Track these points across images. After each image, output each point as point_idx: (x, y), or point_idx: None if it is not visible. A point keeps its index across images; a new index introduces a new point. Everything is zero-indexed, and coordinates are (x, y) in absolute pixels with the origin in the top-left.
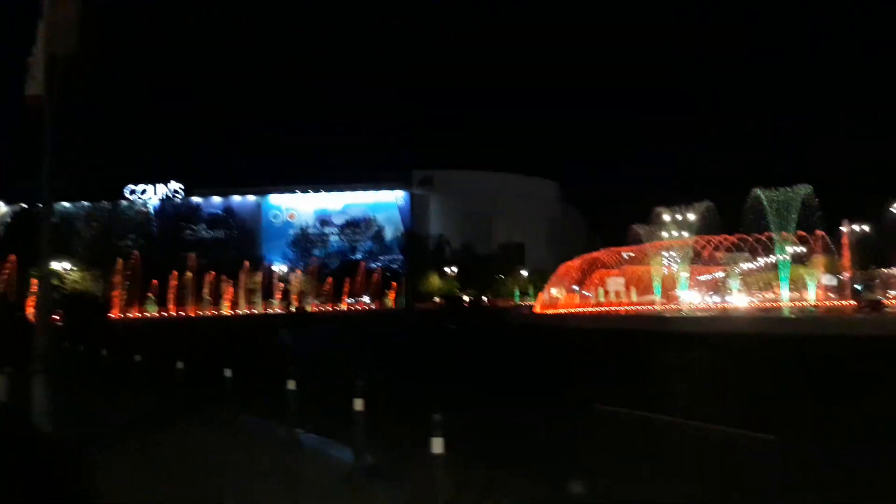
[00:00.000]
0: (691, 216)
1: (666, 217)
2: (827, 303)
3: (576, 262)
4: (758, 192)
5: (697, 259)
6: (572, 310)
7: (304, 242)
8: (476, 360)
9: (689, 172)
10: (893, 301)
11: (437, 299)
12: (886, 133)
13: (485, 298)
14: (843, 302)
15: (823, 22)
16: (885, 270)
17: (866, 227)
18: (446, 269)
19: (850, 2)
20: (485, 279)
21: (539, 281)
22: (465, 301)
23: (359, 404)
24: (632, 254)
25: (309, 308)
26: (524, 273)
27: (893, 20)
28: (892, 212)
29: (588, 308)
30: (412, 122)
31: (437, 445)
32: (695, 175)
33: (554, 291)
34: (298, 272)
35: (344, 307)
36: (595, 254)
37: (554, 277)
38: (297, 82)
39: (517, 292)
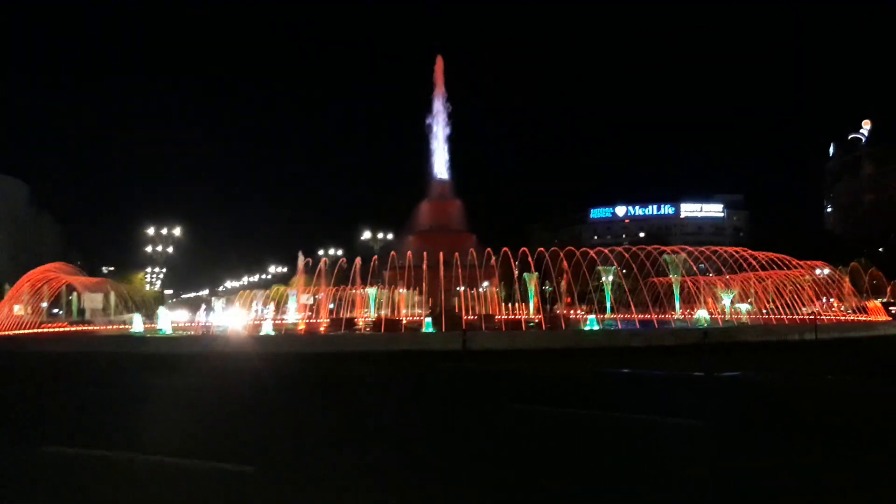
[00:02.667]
0: (176, 232)
1: (150, 231)
2: (306, 321)
3: (46, 275)
4: None
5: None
6: (37, 330)
7: None
8: None
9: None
10: (364, 319)
11: None
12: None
13: None
14: (320, 320)
15: None
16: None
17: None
18: None
19: None
20: None
21: None
22: None
23: None
24: (112, 268)
25: None
26: None
27: None
28: (362, 239)
29: (57, 328)
30: None
31: None
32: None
33: (16, 308)
34: None
35: None
36: (64, 265)
37: (15, 291)
38: None
39: None
